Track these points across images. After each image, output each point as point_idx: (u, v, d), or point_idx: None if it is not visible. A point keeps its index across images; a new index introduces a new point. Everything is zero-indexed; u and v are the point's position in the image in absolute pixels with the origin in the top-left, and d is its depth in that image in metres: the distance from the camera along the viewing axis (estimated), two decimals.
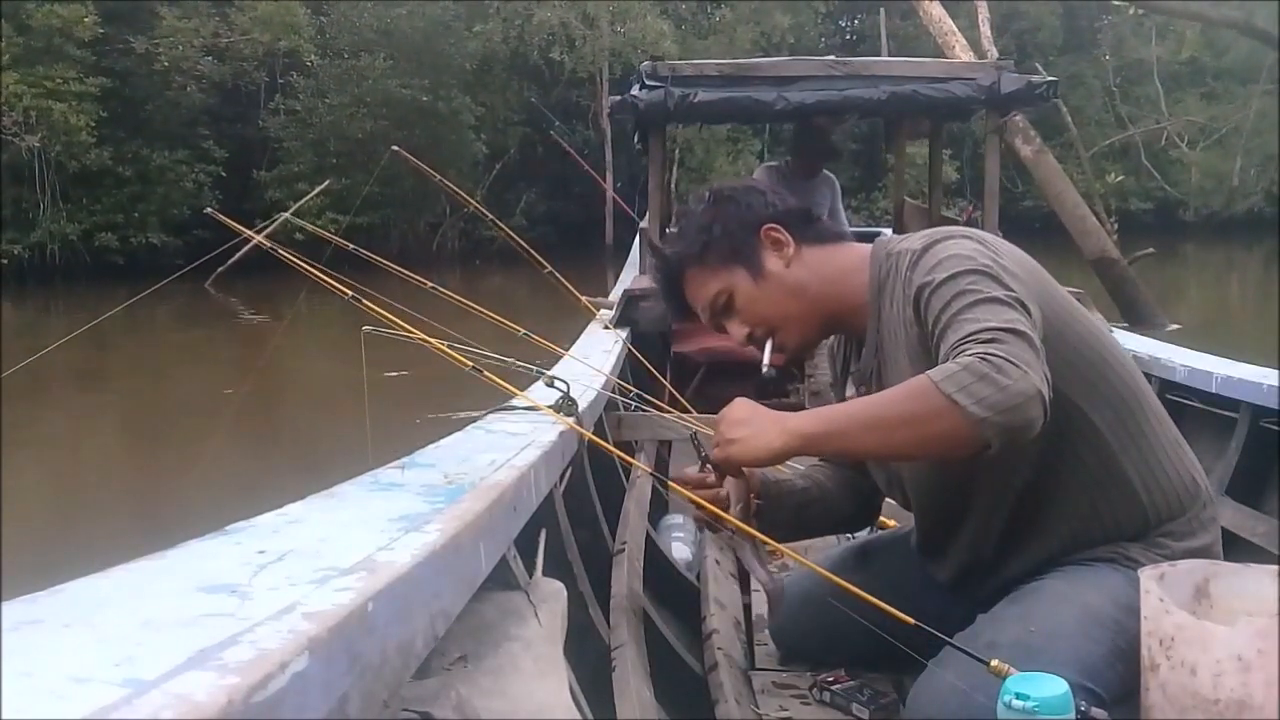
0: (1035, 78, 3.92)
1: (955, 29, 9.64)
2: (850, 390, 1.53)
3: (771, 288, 1.42)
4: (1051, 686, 1.16)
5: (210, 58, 16.38)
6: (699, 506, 1.41)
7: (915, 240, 1.34)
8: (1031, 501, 1.38)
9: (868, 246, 1.44)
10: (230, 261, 12.28)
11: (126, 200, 15.61)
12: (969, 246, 1.28)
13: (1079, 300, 2.64)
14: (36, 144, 14.28)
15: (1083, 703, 1.22)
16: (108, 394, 8.13)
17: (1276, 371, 2.29)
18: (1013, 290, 1.21)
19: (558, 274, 2.79)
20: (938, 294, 1.24)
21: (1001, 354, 1.11)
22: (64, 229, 14.87)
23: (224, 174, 16.46)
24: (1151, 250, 10.18)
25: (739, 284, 1.43)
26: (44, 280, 14.49)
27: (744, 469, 1.39)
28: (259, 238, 2.00)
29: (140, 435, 6.87)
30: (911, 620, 1.27)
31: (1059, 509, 1.38)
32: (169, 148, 15.91)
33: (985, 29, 10.20)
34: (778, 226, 1.42)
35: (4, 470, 5.12)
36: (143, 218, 15.54)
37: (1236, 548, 2.14)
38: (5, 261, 14.21)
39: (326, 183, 14.85)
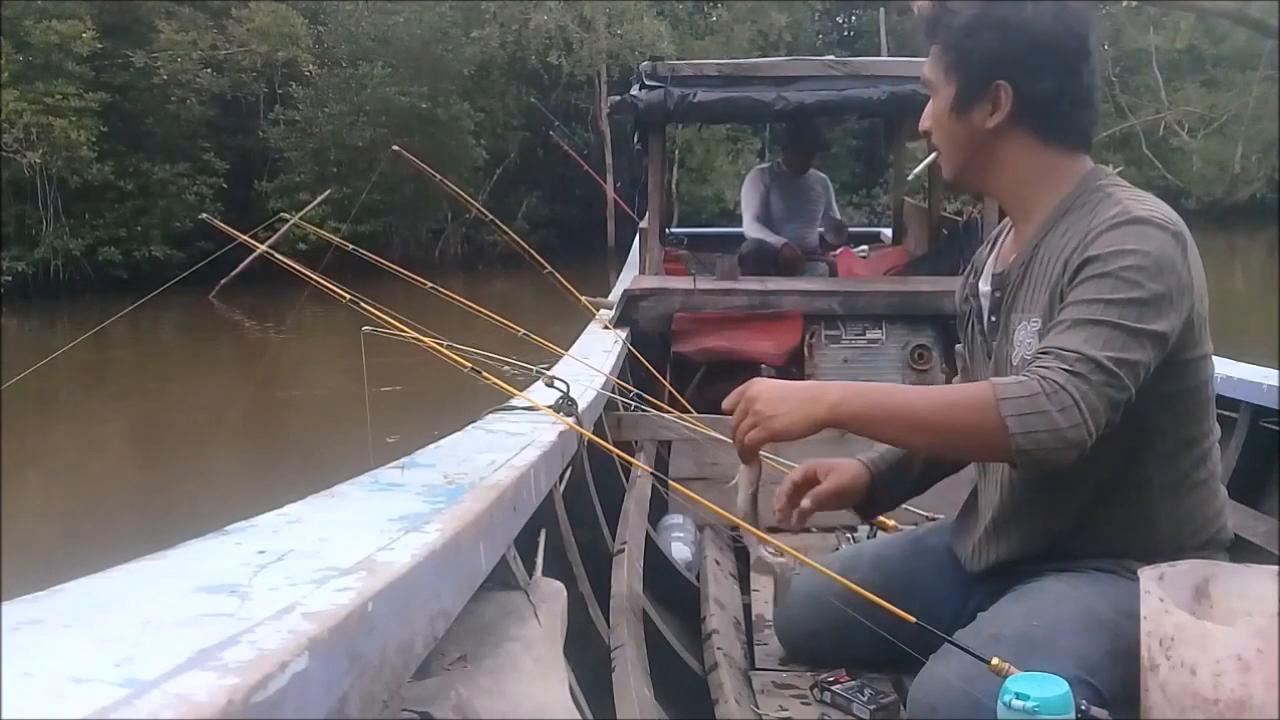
0: None
1: None
2: (985, 287, 1.46)
3: (959, 127, 1.38)
4: (1051, 686, 1.16)
5: (209, 70, 16.39)
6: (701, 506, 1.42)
7: (1128, 199, 1.29)
8: (1095, 503, 1.37)
9: (1085, 165, 1.37)
10: (235, 272, 12.34)
11: (128, 214, 15.63)
12: (1160, 259, 1.21)
13: None
14: (38, 160, 14.31)
15: (1083, 702, 1.22)
16: (113, 405, 8.15)
17: (1276, 371, 2.28)
18: (1153, 329, 1.17)
19: (557, 274, 2.80)
20: (1096, 281, 1.20)
21: (1074, 393, 1.12)
22: (67, 244, 14.90)
23: (225, 185, 16.46)
24: None
25: (943, 93, 1.38)
26: (48, 296, 14.52)
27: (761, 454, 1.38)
28: (263, 248, 2.01)
29: (145, 445, 6.89)
30: (913, 619, 1.28)
31: (1113, 518, 1.37)
32: (170, 161, 15.93)
33: None
34: (1010, 93, 1.32)
35: (11, 480, 5.14)
36: (145, 231, 15.56)
37: (1236, 548, 2.13)
38: (10, 279, 14.25)
39: (328, 192, 14.85)
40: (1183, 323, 1.23)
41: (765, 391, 1.27)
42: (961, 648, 1.28)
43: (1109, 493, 1.36)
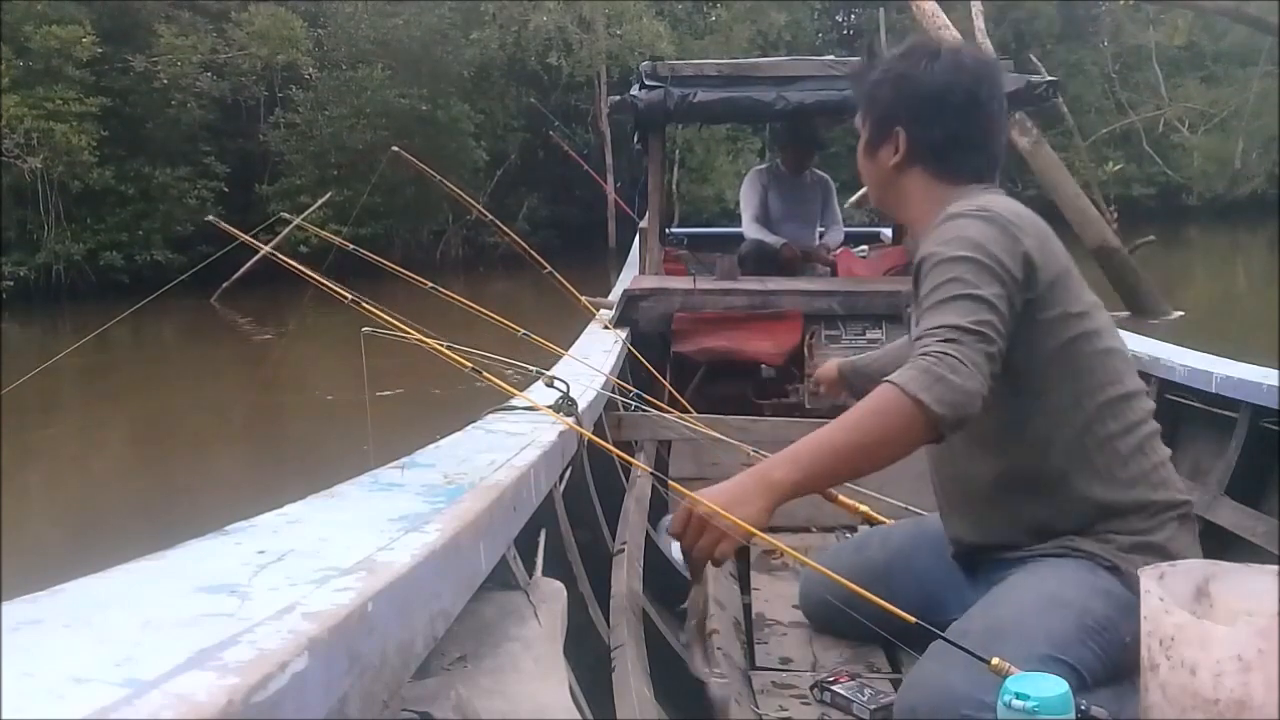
0: (1036, 78, 3.92)
1: (949, 24, 9.64)
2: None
3: (869, 165, 1.62)
4: (1051, 686, 1.16)
5: (209, 73, 16.38)
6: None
7: (953, 206, 1.46)
8: (990, 484, 1.51)
9: (966, 194, 1.52)
10: (237, 275, 12.36)
11: (130, 219, 15.63)
12: (977, 228, 1.39)
13: None
14: (39, 165, 14.31)
15: (1083, 701, 1.23)
16: (115, 408, 8.16)
17: (1276, 371, 2.28)
18: (988, 292, 1.32)
19: (557, 275, 2.80)
20: (934, 271, 1.37)
21: (955, 354, 1.26)
22: (68, 249, 14.90)
23: (226, 189, 16.46)
24: (1152, 238, 10.15)
25: (862, 133, 1.62)
26: (50, 301, 14.54)
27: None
28: (266, 249, 2.01)
29: (147, 447, 6.89)
30: (912, 619, 1.29)
31: (1014, 496, 1.49)
32: (170, 165, 15.93)
33: (979, 22, 10.19)
34: (904, 137, 1.55)
35: (13, 482, 5.14)
36: (146, 235, 15.56)
37: (1236, 548, 2.13)
38: (12, 284, 14.26)
39: (329, 194, 14.86)
40: (1026, 283, 1.37)
41: (715, 503, 1.26)
42: (960, 647, 1.28)
43: (1031, 473, 1.46)
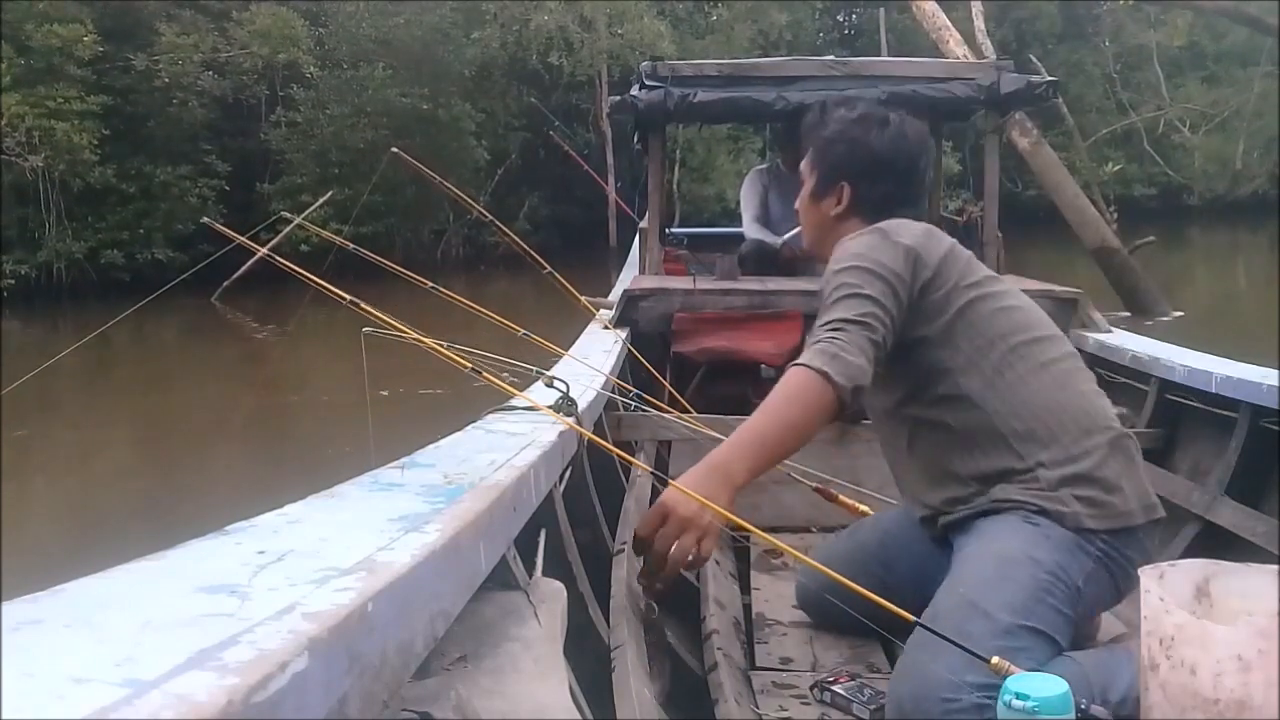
0: (1035, 78, 3.92)
1: (949, 24, 9.63)
2: None
3: (812, 210, 1.81)
4: (1051, 686, 1.17)
5: (210, 72, 16.38)
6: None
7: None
8: (924, 448, 1.65)
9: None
10: (236, 275, 12.35)
11: (131, 217, 15.63)
12: (867, 243, 1.61)
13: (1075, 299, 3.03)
14: (40, 164, 14.31)
15: (1083, 701, 1.23)
16: (115, 407, 8.16)
17: (1276, 371, 2.28)
18: (869, 291, 1.53)
19: (557, 274, 2.80)
20: (827, 285, 1.59)
21: (842, 339, 1.47)
22: (70, 248, 14.90)
23: (227, 188, 16.46)
24: (1152, 238, 10.14)
25: (808, 181, 1.82)
26: (51, 299, 14.54)
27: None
28: (264, 251, 2.01)
29: (147, 447, 6.90)
30: (912, 618, 1.31)
31: (944, 453, 1.61)
32: (172, 163, 15.93)
33: (979, 22, 10.18)
34: (849, 192, 1.74)
35: (13, 482, 5.14)
36: (148, 234, 15.56)
37: (1236, 548, 2.14)
38: (13, 282, 14.27)
39: (329, 193, 14.86)
40: (914, 272, 1.57)
41: (683, 502, 1.35)
42: (958, 645, 1.30)
43: (960, 424, 1.59)
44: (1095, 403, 1.60)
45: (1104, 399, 1.63)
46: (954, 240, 1.68)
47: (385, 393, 5.53)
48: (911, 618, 1.33)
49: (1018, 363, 1.57)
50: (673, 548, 1.34)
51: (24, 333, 12.45)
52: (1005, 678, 1.22)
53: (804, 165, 1.82)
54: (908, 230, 1.62)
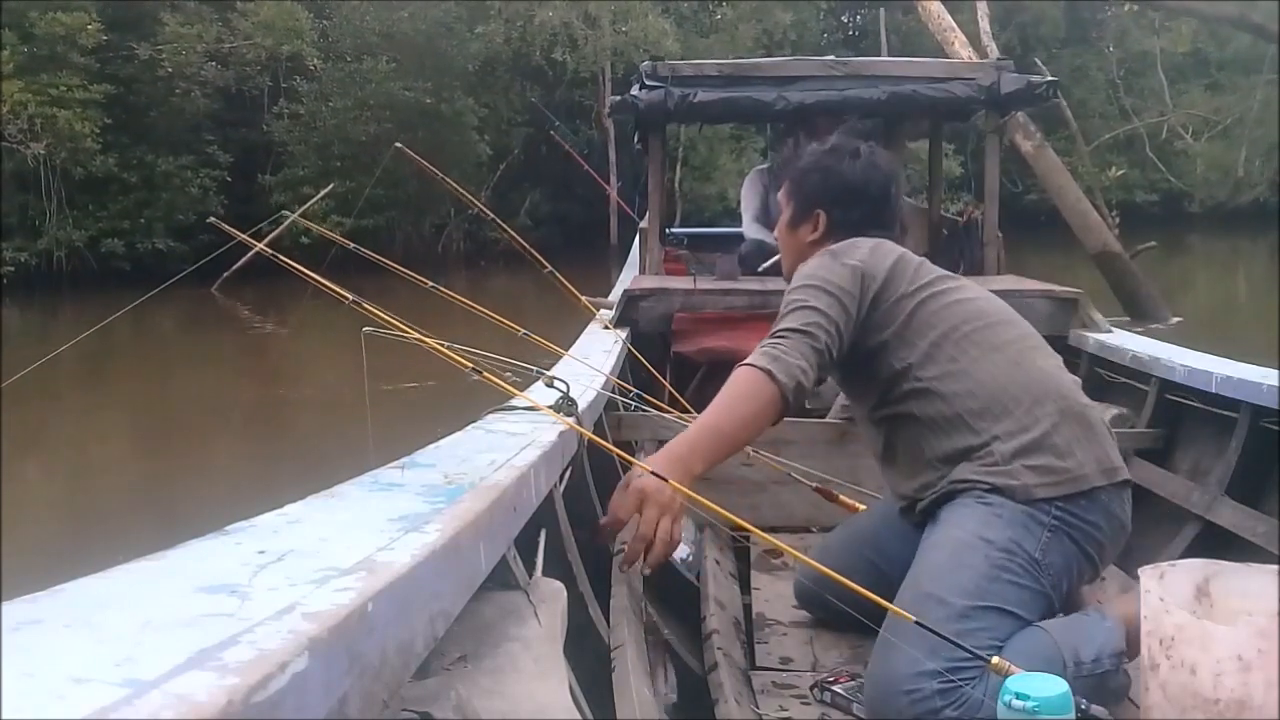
0: (1035, 78, 3.91)
1: (955, 25, 9.62)
2: None
3: (789, 237, 1.91)
4: (1052, 686, 1.17)
5: (213, 63, 16.37)
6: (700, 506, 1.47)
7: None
8: (899, 442, 1.72)
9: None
10: (234, 268, 12.34)
11: (132, 206, 15.63)
12: (817, 264, 1.73)
13: (1076, 299, 3.09)
14: (42, 152, 14.31)
15: (1083, 701, 1.24)
16: (116, 399, 8.16)
17: (1276, 371, 2.28)
18: (814, 304, 1.65)
19: (558, 274, 2.79)
20: (783, 305, 1.71)
21: (785, 344, 1.60)
22: (70, 236, 14.91)
23: (229, 179, 16.47)
24: (1154, 244, 10.14)
25: (785, 209, 1.91)
26: (51, 287, 14.54)
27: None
28: (260, 245, 2.01)
29: (148, 439, 6.89)
30: (912, 618, 1.31)
31: (915, 444, 1.68)
32: (174, 153, 15.93)
33: (984, 24, 10.17)
34: (824, 219, 1.84)
35: (12, 475, 5.14)
36: (148, 224, 15.56)
37: (1236, 548, 2.14)
38: (13, 269, 14.26)
39: (330, 186, 14.85)
40: (863, 287, 1.68)
41: (655, 488, 1.46)
42: (959, 645, 1.32)
43: (926, 414, 1.64)
44: (1052, 376, 1.67)
45: (1064, 374, 1.70)
46: (903, 250, 1.79)
47: (387, 387, 5.52)
48: (904, 612, 1.34)
49: (971, 348, 1.65)
50: (654, 530, 1.44)
51: (23, 320, 12.45)
52: (1005, 678, 1.22)
53: (781, 195, 1.93)
54: (855, 250, 1.74)
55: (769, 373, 1.55)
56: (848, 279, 1.68)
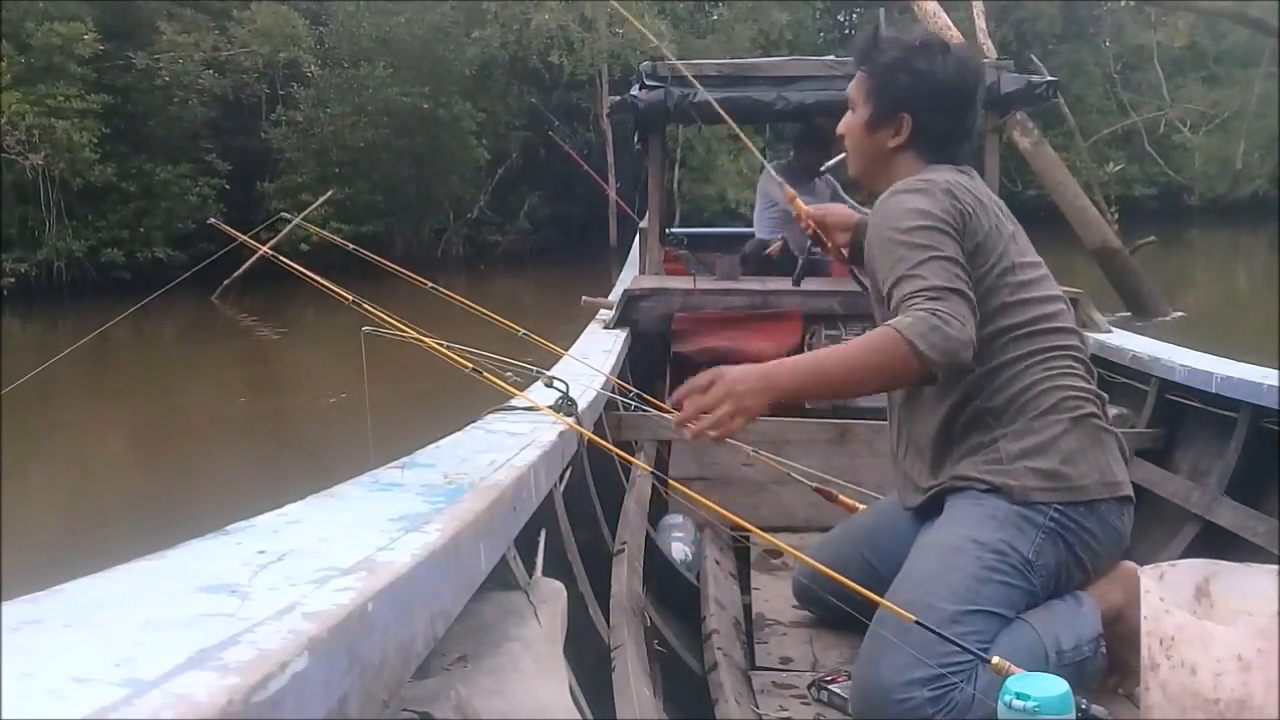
0: (1035, 77, 3.91)
1: (951, 24, 9.63)
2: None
3: (865, 139, 1.72)
4: (1052, 686, 1.17)
5: (211, 71, 16.38)
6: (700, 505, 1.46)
7: (897, 184, 1.63)
8: (920, 422, 1.64)
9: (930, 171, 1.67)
10: (236, 274, 12.35)
11: (131, 216, 15.64)
12: (921, 201, 1.55)
13: (1076, 299, 2.91)
14: (40, 162, 14.32)
15: (1083, 701, 1.24)
16: (116, 407, 8.16)
17: (1276, 372, 2.28)
18: (952, 247, 1.50)
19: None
20: (887, 249, 1.53)
21: (945, 309, 1.43)
22: (70, 246, 14.90)
23: (227, 187, 16.47)
24: (1153, 239, 10.13)
25: (860, 110, 1.71)
26: (51, 298, 14.54)
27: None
28: (265, 249, 2.01)
29: (147, 446, 6.90)
30: (913, 618, 1.31)
31: (933, 424, 1.61)
32: (172, 162, 15.93)
33: (980, 22, 10.18)
34: (910, 124, 1.66)
35: (13, 481, 5.14)
36: (148, 233, 15.57)
37: (1236, 548, 2.14)
38: (13, 280, 14.26)
39: (330, 193, 14.86)
40: (966, 236, 1.54)
41: (738, 379, 1.43)
42: (959, 644, 1.31)
43: (963, 404, 1.58)
44: (1076, 389, 1.60)
45: (1089, 386, 1.63)
46: (1000, 221, 1.63)
47: (388, 385, 5.51)
48: (904, 612, 1.34)
49: (1013, 348, 1.58)
50: (713, 411, 1.41)
51: (23, 331, 12.45)
52: (1005, 678, 1.22)
53: (854, 90, 1.73)
54: (960, 189, 1.59)
55: (913, 346, 1.39)
56: (958, 225, 1.54)
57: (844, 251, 1.93)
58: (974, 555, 1.47)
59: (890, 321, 1.44)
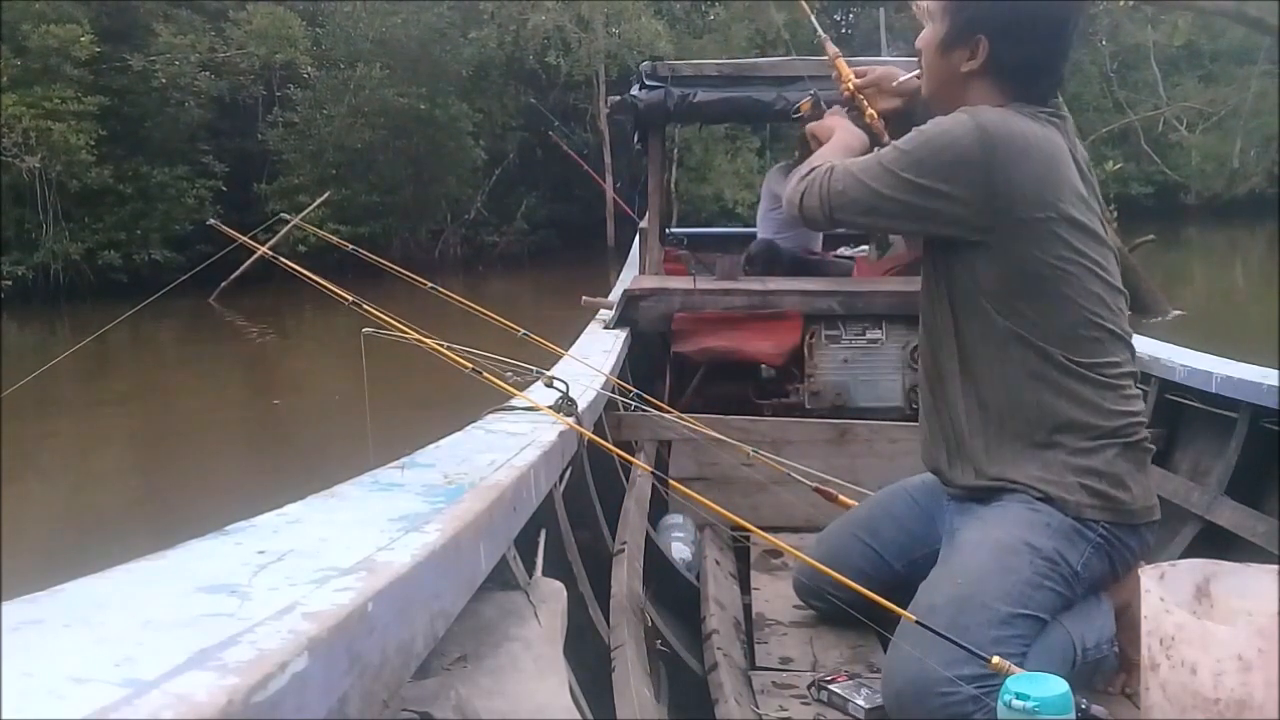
0: None
1: None
2: None
3: (938, 60, 1.60)
4: (1052, 686, 1.17)
5: (207, 73, 16.34)
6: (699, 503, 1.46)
7: (957, 110, 1.55)
8: (968, 402, 1.58)
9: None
10: (236, 274, 12.34)
11: (128, 218, 15.61)
12: (941, 137, 1.50)
13: None
14: (37, 165, 14.29)
15: (1083, 701, 1.24)
16: (115, 408, 8.16)
17: (1276, 372, 2.28)
18: (905, 175, 1.50)
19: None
20: (868, 163, 1.58)
21: (822, 176, 1.60)
22: (67, 248, 14.87)
23: (225, 188, 16.44)
24: (1152, 237, 10.15)
25: (935, 27, 1.60)
26: (49, 300, 14.53)
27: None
28: (264, 249, 2.01)
29: (147, 446, 6.89)
30: (910, 615, 1.31)
31: (984, 411, 1.56)
32: (169, 164, 15.91)
33: None
34: (986, 48, 1.53)
35: (12, 483, 5.13)
36: (145, 235, 15.54)
37: (1236, 548, 2.14)
38: (10, 283, 14.24)
39: (327, 194, 14.85)
40: (970, 195, 1.47)
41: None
42: (957, 643, 1.31)
43: (984, 389, 1.56)
44: (1134, 414, 1.57)
45: (1143, 408, 1.61)
46: (1049, 175, 1.51)
47: (388, 385, 5.51)
48: (909, 615, 1.34)
49: (1076, 351, 1.53)
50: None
51: (21, 334, 12.43)
52: (1006, 677, 1.22)
53: (930, 5, 1.61)
54: (1015, 157, 1.49)
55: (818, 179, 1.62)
56: (968, 176, 1.49)
57: (882, 122, 1.83)
58: (1028, 559, 1.45)
59: (832, 164, 1.60)
